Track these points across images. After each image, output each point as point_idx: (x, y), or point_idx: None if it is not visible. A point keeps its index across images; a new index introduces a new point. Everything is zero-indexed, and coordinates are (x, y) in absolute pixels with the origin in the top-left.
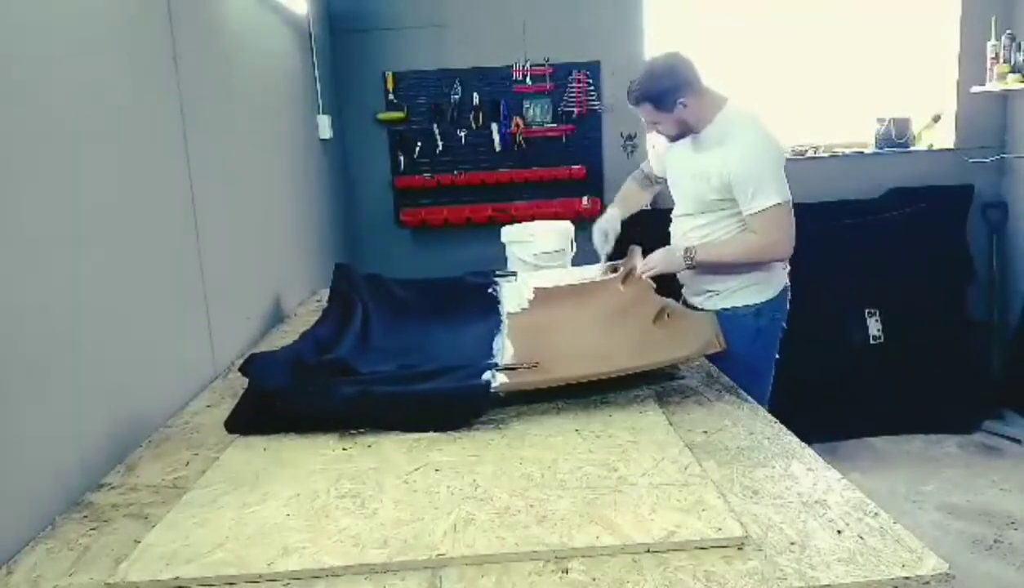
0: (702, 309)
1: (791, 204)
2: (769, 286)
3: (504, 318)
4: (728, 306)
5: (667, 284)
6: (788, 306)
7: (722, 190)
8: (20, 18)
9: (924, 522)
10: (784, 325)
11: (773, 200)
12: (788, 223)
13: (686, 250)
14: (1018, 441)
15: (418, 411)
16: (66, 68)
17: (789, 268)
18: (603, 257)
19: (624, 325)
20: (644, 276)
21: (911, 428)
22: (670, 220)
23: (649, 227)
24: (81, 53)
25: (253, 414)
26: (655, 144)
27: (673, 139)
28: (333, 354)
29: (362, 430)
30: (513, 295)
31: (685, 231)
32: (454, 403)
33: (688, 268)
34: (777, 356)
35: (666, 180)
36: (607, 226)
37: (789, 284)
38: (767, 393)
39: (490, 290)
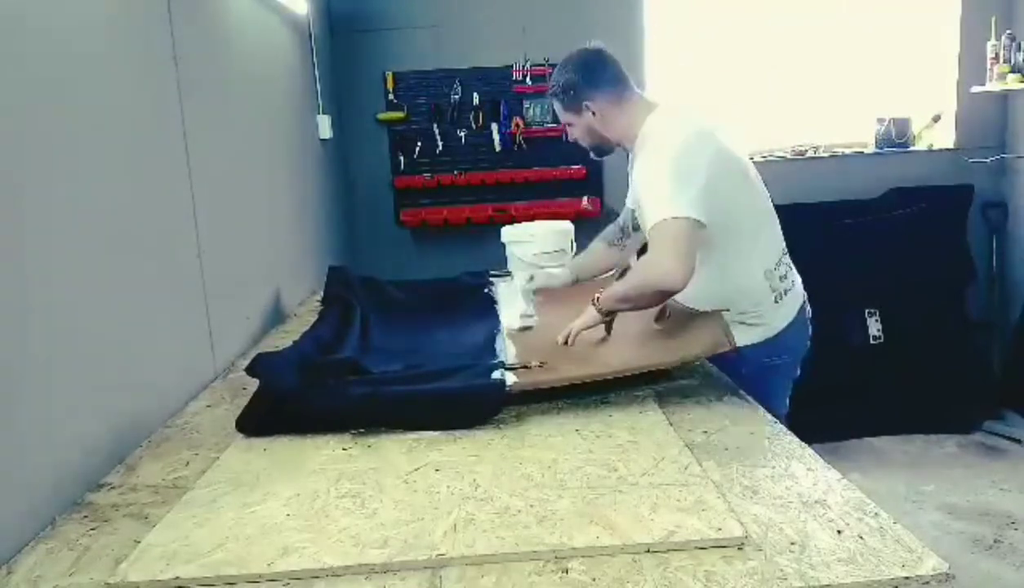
0: None
1: (689, 223)
2: (757, 326)
3: (502, 318)
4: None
5: None
6: (806, 342)
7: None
8: (19, 19)
9: (924, 522)
10: (798, 370)
11: (659, 215)
12: (672, 242)
13: (594, 300)
14: (1018, 441)
15: (433, 410)
16: (65, 68)
17: (805, 295)
18: (525, 304)
19: (626, 324)
20: (572, 340)
21: (911, 428)
22: None
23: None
24: (80, 53)
25: (265, 414)
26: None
27: (595, 153)
28: (339, 354)
29: (362, 430)
30: (509, 314)
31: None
32: (470, 402)
33: (605, 316)
34: (787, 410)
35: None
36: (542, 281)
37: (802, 317)
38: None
39: (486, 290)
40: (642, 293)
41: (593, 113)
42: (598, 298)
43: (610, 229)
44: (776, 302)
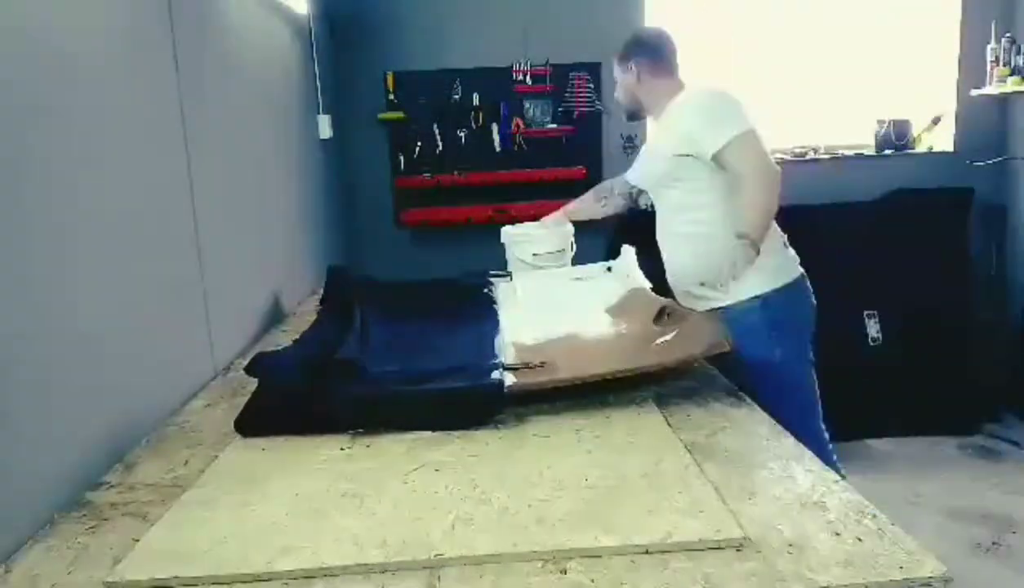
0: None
1: (756, 135)
2: (772, 272)
3: (502, 318)
4: (727, 303)
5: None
6: (813, 301)
7: (679, 146)
8: (19, 19)
9: (923, 524)
10: (812, 327)
11: (734, 131)
12: (759, 153)
13: (744, 239)
14: (1017, 444)
15: (432, 410)
16: (65, 68)
17: (797, 258)
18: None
19: (626, 325)
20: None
21: (910, 430)
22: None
23: (650, 226)
24: (80, 53)
25: (263, 414)
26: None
27: (628, 117)
28: (338, 354)
29: (361, 430)
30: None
31: (662, 217)
32: (469, 402)
33: (756, 251)
34: (812, 358)
35: (635, 191)
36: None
37: (804, 273)
38: (812, 405)
39: (486, 290)
40: (772, 198)
41: (636, 75)
42: (748, 236)
43: (604, 184)
44: (784, 246)
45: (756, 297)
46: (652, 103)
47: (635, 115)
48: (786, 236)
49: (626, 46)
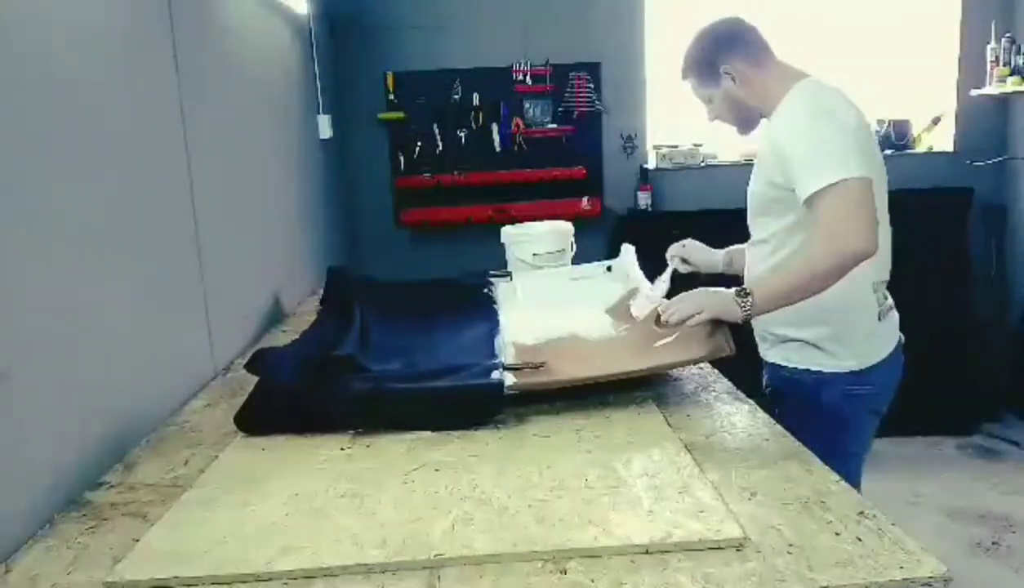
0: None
1: (862, 184)
2: (847, 354)
3: (502, 318)
4: (781, 362)
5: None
6: (898, 377)
7: (773, 173)
8: (19, 19)
9: (923, 524)
10: (883, 410)
11: (827, 179)
12: (853, 207)
13: (739, 292)
14: (1016, 444)
15: (432, 410)
16: (65, 68)
17: (897, 316)
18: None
19: (627, 325)
20: (690, 324)
21: (910, 430)
22: (672, 220)
23: (650, 226)
24: (80, 53)
25: (265, 411)
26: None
27: (741, 129)
28: (339, 352)
29: (360, 430)
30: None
31: (750, 246)
32: (468, 402)
33: (747, 316)
34: (868, 451)
35: None
36: (687, 252)
37: (896, 352)
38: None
39: (486, 290)
40: (830, 272)
41: (732, 78)
42: (746, 297)
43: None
44: (879, 320)
45: (815, 372)
46: (765, 100)
47: (749, 124)
48: (887, 304)
49: (699, 55)
